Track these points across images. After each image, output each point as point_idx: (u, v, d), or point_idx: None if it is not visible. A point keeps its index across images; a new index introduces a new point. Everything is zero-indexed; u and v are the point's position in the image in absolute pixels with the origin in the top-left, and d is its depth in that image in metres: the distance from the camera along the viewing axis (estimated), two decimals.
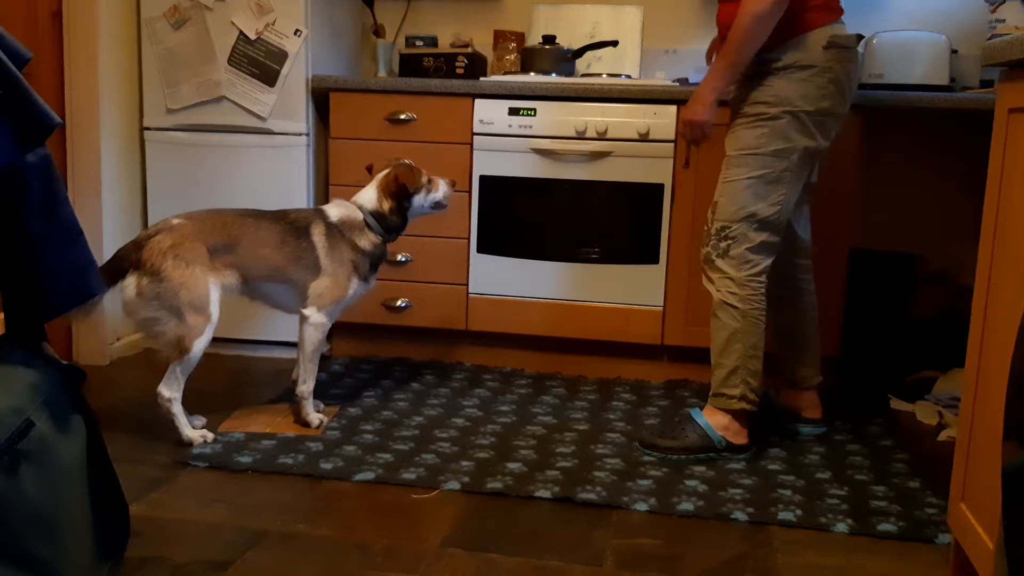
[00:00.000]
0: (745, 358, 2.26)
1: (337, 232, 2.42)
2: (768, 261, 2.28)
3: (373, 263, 2.48)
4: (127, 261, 2.24)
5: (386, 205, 2.46)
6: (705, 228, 2.32)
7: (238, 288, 2.37)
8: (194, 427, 2.35)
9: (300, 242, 2.38)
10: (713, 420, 2.30)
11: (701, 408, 2.35)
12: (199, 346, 2.27)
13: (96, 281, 1.54)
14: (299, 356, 2.44)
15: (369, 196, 2.48)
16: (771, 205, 2.24)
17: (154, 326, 2.26)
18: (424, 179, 2.51)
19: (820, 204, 2.78)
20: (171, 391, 2.27)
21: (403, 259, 3.02)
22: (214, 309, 2.28)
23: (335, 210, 2.46)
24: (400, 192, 2.47)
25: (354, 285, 2.44)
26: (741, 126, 2.26)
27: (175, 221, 2.29)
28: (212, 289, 2.27)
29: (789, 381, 2.54)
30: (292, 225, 2.40)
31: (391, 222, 2.48)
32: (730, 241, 2.25)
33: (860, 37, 2.32)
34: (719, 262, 2.27)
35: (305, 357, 2.42)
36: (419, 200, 2.51)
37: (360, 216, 2.45)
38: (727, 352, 2.28)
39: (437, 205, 2.55)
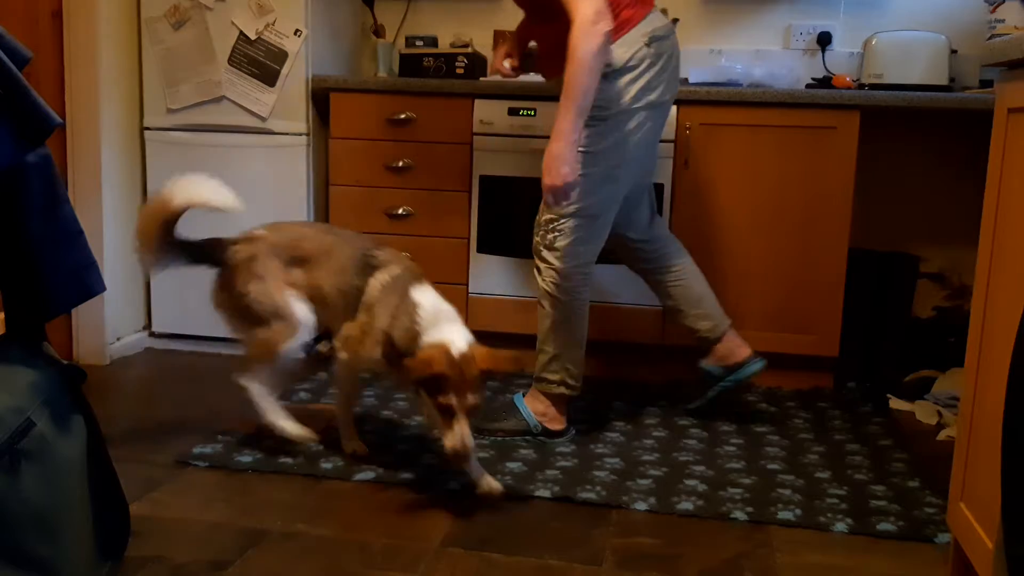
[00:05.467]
0: (566, 347, 2.35)
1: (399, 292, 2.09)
2: (594, 253, 2.35)
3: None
4: (217, 254, 2.23)
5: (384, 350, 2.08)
6: (537, 218, 2.35)
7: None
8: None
9: (354, 280, 2.16)
10: (532, 407, 2.42)
11: (524, 394, 2.46)
12: (284, 350, 2.21)
13: (97, 281, 1.55)
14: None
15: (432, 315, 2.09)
16: (601, 201, 2.29)
17: (235, 331, 2.27)
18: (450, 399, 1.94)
19: (820, 204, 2.79)
20: (250, 381, 2.22)
21: None
22: (299, 313, 2.19)
23: (429, 301, 2.11)
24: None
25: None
26: None
27: (259, 232, 2.26)
28: (289, 297, 2.19)
29: (702, 341, 2.58)
30: (364, 260, 2.17)
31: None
32: (557, 234, 2.30)
33: (676, 21, 2.31)
34: (546, 253, 2.33)
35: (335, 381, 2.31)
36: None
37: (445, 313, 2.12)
38: (549, 340, 2.37)
39: None
